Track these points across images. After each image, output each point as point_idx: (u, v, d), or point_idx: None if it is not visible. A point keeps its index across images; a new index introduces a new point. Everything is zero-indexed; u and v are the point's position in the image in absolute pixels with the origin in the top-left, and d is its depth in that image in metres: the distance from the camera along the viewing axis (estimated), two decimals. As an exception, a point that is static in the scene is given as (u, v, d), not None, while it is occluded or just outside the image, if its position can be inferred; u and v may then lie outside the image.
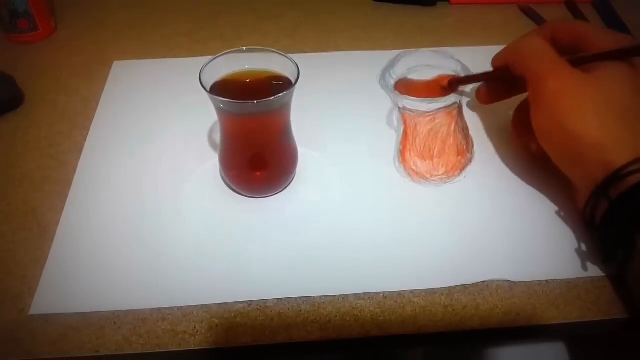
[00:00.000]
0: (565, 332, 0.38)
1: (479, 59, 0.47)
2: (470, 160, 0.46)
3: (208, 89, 0.37)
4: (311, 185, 0.44)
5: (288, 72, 0.39)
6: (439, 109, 0.49)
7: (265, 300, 0.37)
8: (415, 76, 0.54)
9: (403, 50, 0.57)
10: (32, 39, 0.60)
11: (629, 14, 0.63)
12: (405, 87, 0.52)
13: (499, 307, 0.37)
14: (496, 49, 0.44)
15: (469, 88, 0.52)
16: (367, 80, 0.54)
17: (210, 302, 0.37)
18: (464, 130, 0.48)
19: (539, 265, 0.39)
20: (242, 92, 0.39)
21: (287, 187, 0.44)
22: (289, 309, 0.37)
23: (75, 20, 0.64)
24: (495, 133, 0.49)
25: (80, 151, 0.47)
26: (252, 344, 0.35)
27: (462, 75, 0.49)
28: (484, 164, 0.46)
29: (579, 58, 0.40)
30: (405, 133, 0.48)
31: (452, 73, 0.50)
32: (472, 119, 0.50)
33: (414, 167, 0.45)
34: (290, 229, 0.41)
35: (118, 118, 0.50)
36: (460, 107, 0.50)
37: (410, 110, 0.49)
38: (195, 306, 0.37)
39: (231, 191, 0.44)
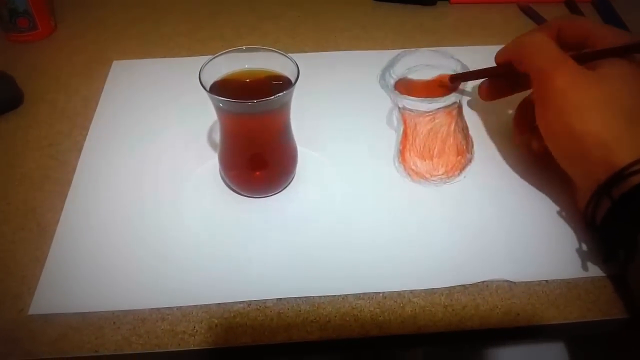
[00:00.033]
0: (565, 332, 0.38)
1: (479, 58, 0.47)
2: (470, 160, 0.46)
3: (208, 89, 0.37)
4: (311, 185, 0.44)
5: (288, 72, 0.39)
6: (439, 108, 0.49)
7: (265, 300, 0.37)
8: (415, 76, 0.54)
9: (403, 49, 0.57)
10: (32, 38, 0.60)
11: (629, 13, 0.63)
12: (405, 86, 0.52)
13: (499, 307, 0.37)
14: (496, 49, 0.44)
15: (469, 87, 0.52)
16: (367, 79, 0.54)
17: (210, 302, 0.37)
18: (464, 130, 0.48)
19: (538, 265, 0.39)
20: (241, 91, 0.39)
21: (286, 186, 0.44)
22: (288, 309, 0.37)
23: (75, 20, 0.64)
24: (495, 133, 0.49)
25: (79, 151, 0.47)
26: (252, 344, 0.35)
27: (462, 74, 0.49)
28: (483, 163, 0.46)
29: (583, 54, 0.39)
30: (405, 133, 0.48)
31: (452, 72, 0.50)
32: (472, 119, 0.50)
33: (413, 167, 0.45)
34: (289, 229, 0.41)
35: (118, 117, 0.50)
36: (460, 107, 0.50)
37: (410, 110, 0.49)
38: (195, 306, 0.37)
39: (231, 191, 0.44)
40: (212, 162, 0.45)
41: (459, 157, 0.46)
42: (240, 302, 0.37)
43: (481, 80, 0.47)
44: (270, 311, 0.36)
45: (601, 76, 0.37)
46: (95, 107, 0.52)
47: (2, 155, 0.47)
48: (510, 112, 0.50)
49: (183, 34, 0.61)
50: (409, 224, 0.41)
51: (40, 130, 0.50)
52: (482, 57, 0.46)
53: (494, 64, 0.45)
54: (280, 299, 0.37)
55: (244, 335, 0.35)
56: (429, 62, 0.55)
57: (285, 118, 0.40)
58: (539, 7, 0.65)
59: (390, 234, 0.41)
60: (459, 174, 0.45)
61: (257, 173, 0.43)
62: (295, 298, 0.37)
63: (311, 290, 0.37)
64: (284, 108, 0.39)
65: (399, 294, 0.37)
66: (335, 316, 0.36)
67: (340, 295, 0.37)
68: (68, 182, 0.44)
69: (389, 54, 0.55)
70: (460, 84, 0.49)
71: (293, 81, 0.37)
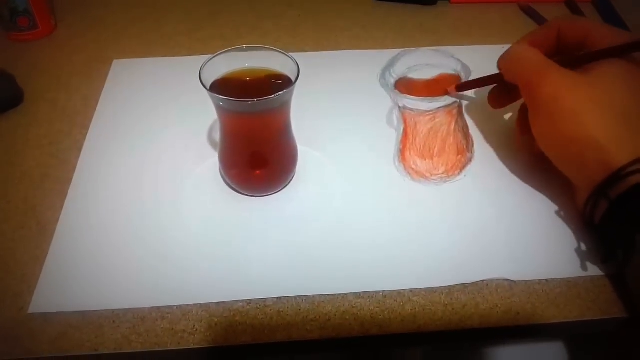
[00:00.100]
0: (565, 331, 0.38)
1: (479, 57, 0.47)
2: (470, 160, 0.46)
3: (208, 87, 0.37)
4: (311, 184, 0.44)
5: (288, 71, 0.39)
6: (439, 108, 0.49)
7: (265, 299, 0.37)
8: (415, 75, 0.54)
9: (403, 49, 0.57)
10: (32, 37, 0.60)
11: (629, 13, 0.63)
12: (406, 86, 0.52)
13: (499, 306, 0.37)
14: (496, 48, 0.44)
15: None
16: (367, 79, 0.54)
17: (210, 301, 0.37)
18: (464, 129, 0.48)
19: (538, 264, 0.39)
20: (242, 90, 0.39)
21: (287, 186, 0.44)
22: (288, 307, 0.37)
23: (75, 19, 0.64)
24: (495, 132, 0.49)
25: (80, 149, 0.47)
26: (252, 342, 0.35)
27: (462, 74, 0.49)
28: (484, 163, 0.46)
29: (581, 56, 0.39)
30: (405, 132, 0.48)
31: (452, 72, 0.50)
32: (472, 118, 0.50)
33: (414, 166, 0.45)
34: (290, 228, 0.41)
35: (118, 116, 0.50)
36: (460, 106, 0.50)
37: (411, 109, 0.49)
38: (195, 305, 0.37)
39: (231, 190, 0.44)
40: (212, 161, 0.45)
41: (459, 157, 0.46)
42: (240, 301, 0.37)
43: (482, 83, 0.47)
44: (270, 310, 0.36)
45: (593, 77, 0.37)
46: (95, 106, 0.52)
47: (3, 154, 0.47)
48: (510, 113, 0.50)
49: (183, 33, 0.61)
50: (409, 223, 0.41)
51: (40, 128, 0.50)
52: (482, 56, 0.46)
53: (494, 63, 0.44)
54: (280, 297, 0.37)
55: (243, 334, 0.35)
56: (429, 62, 0.55)
57: (286, 117, 0.40)
58: (539, 6, 0.65)
59: (391, 232, 0.41)
60: (459, 173, 0.45)
61: (258, 172, 0.43)
62: (295, 297, 0.37)
63: (311, 289, 0.37)
64: (284, 107, 0.39)
65: (399, 292, 0.37)
66: (335, 315, 0.36)
67: (340, 294, 0.37)
68: (68, 181, 0.44)
69: (389, 54, 0.55)
70: (465, 91, 0.49)
71: (293, 80, 0.37)
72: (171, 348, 0.35)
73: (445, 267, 0.38)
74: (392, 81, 0.53)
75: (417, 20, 0.64)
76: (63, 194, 0.43)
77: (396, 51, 0.56)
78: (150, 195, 0.43)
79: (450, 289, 0.37)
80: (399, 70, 0.54)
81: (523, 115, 0.45)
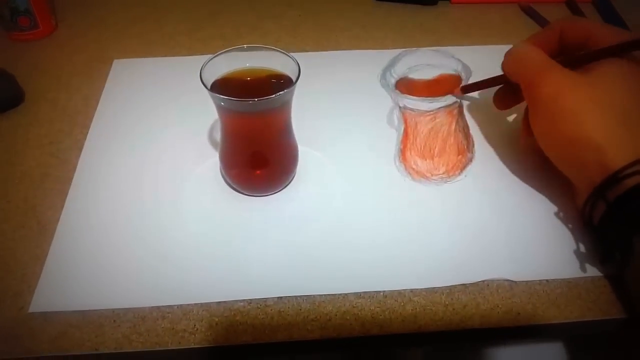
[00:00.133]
0: (565, 331, 0.38)
1: (479, 58, 0.47)
2: (470, 160, 0.46)
3: (209, 87, 0.37)
4: (311, 184, 0.44)
5: (289, 71, 0.39)
6: (440, 108, 0.50)
7: (265, 299, 0.37)
8: (415, 75, 0.54)
9: (404, 49, 0.57)
10: (33, 37, 0.60)
11: (629, 13, 0.63)
12: (406, 86, 0.52)
13: (500, 306, 0.37)
14: (497, 48, 0.44)
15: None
16: (367, 79, 0.54)
17: (210, 301, 0.37)
18: (465, 130, 0.48)
19: (539, 265, 0.39)
20: (242, 90, 0.39)
21: (287, 185, 0.44)
22: (289, 307, 0.37)
23: (76, 19, 0.64)
24: (496, 132, 0.49)
25: (80, 149, 0.47)
26: (252, 342, 0.35)
27: (463, 74, 0.49)
28: (484, 163, 0.46)
29: (581, 56, 0.39)
30: (405, 132, 0.48)
31: (452, 72, 0.50)
32: (473, 118, 0.50)
33: (414, 166, 0.45)
34: (290, 228, 0.41)
35: (118, 116, 0.50)
36: (460, 106, 0.50)
37: (411, 109, 0.49)
38: (195, 304, 0.37)
39: (231, 190, 0.44)
40: (212, 160, 0.45)
41: (460, 157, 0.46)
42: (240, 301, 0.37)
43: (487, 84, 0.47)
44: (271, 310, 0.36)
45: (593, 77, 0.37)
46: (96, 105, 0.52)
47: (3, 153, 0.47)
48: (514, 115, 0.50)
49: (184, 33, 0.61)
50: (409, 223, 0.41)
51: (40, 128, 0.50)
52: (483, 56, 0.46)
53: (494, 63, 0.44)
54: (281, 297, 0.37)
55: (244, 334, 0.35)
56: (429, 62, 0.55)
57: (286, 117, 0.40)
58: (539, 7, 0.65)
59: (391, 233, 0.41)
60: (459, 173, 0.45)
61: (258, 172, 0.43)
62: (296, 297, 0.37)
63: (312, 289, 0.37)
64: (285, 107, 0.39)
65: (400, 293, 0.37)
66: (336, 315, 0.36)
67: (340, 294, 0.37)
68: (68, 181, 0.44)
69: (389, 54, 0.55)
70: (469, 93, 0.49)
71: (294, 80, 0.37)
72: (172, 347, 0.35)
73: (446, 267, 0.38)
74: (393, 81, 0.53)
75: (418, 20, 0.64)
76: (63, 194, 0.43)
77: (396, 51, 0.56)
78: (150, 195, 0.43)
79: (450, 289, 0.37)
80: (400, 70, 0.54)
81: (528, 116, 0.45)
